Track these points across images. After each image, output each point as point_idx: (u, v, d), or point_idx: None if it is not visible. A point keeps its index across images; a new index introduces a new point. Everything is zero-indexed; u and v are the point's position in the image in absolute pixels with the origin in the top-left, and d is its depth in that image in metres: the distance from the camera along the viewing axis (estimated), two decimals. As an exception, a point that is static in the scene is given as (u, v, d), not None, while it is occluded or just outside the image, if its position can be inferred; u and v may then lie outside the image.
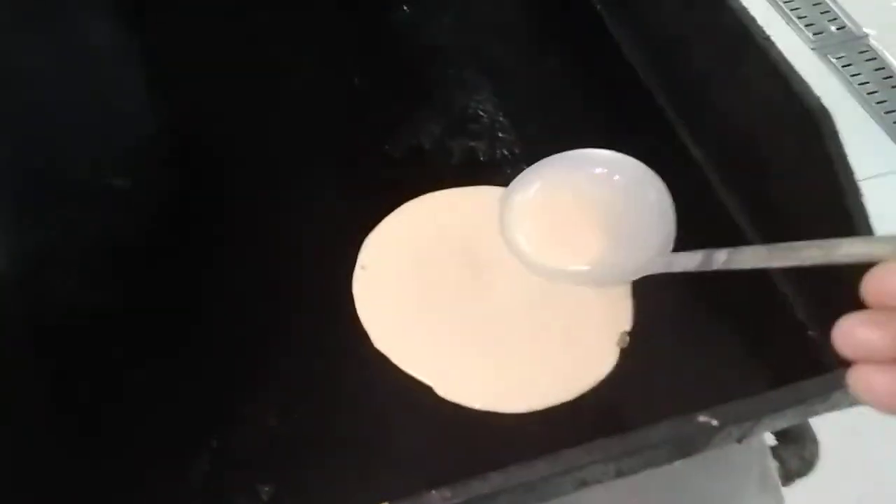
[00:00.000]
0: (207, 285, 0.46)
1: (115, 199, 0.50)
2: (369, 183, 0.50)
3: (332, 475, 0.39)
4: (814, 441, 0.53)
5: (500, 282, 0.46)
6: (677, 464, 0.45)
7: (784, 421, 0.38)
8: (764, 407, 0.36)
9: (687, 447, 0.37)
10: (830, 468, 0.52)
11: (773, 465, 0.47)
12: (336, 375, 0.43)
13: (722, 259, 0.38)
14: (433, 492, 0.33)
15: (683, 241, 0.47)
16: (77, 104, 0.53)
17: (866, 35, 0.44)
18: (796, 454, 0.52)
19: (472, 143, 0.52)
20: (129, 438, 0.40)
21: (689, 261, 0.40)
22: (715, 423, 0.35)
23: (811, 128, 0.41)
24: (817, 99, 0.41)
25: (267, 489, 0.38)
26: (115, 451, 0.39)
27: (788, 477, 0.53)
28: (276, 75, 0.56)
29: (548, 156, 0.50)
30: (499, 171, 0.51)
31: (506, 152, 0.52)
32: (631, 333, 0.44)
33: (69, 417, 0.41)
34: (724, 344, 0.44)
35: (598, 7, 0.59)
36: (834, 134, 0.40)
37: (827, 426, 0.50)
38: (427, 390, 0.42)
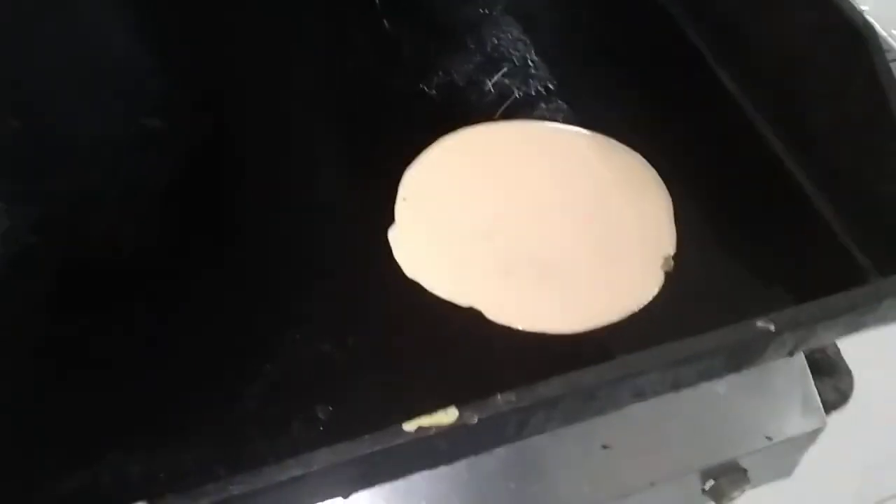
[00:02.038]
0: (252, 218, 0.46)
1: (149, 142, 0.50)
2: (405, 119, 0.50)
3: (389, 395, 0.39)
4: (848, 373, 0.53)
5: (540, 210, 0.46)
6: (722, 387, 0.46)
7: (837, 331, 0.39)
8: (819, 313, 0.36)
9: (742, 356, 0.37)
10: (864, 401, 0.52)
11: (814, 390, 0.47)
12: (386, 303, 0.43)
13: None
14: (498, 395, 0.33)
15: (723, 176, 0.48)
16: (105, 50, 0.53)
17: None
18: (832, 386, 0.52)
19: (507, 81, 0.52)
20: (181, 366, 0.40)
21: None
22: (772, 327, 0.35)
23: (857, 45, 0.41)
24: (861, 14, 0.41)
25: (323, 410, 0.38)
26: (166, 380, 0.39)
27: (825, 409, 0.53)
28: (304, 18, 0.56)
29: (583, 90, 0.51)
30: (535, 106, 0.51)
31: (540, 88, 0.52)
32: (675, 257, 0.45)
33: (116, 349, 0.41)
34: (769, 265, 0.44)
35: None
36: (879, 49, 0.40)
37: (859, 360, 0.51)
38: (476, 315, 0.42)
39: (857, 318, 0.38)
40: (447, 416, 0.32)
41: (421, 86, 0.52)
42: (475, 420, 0.32)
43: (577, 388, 0.33)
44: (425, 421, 0.32)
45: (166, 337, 0.41)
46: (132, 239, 0.45)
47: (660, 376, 0.35)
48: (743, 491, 0.48)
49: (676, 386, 0.38)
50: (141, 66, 0.52)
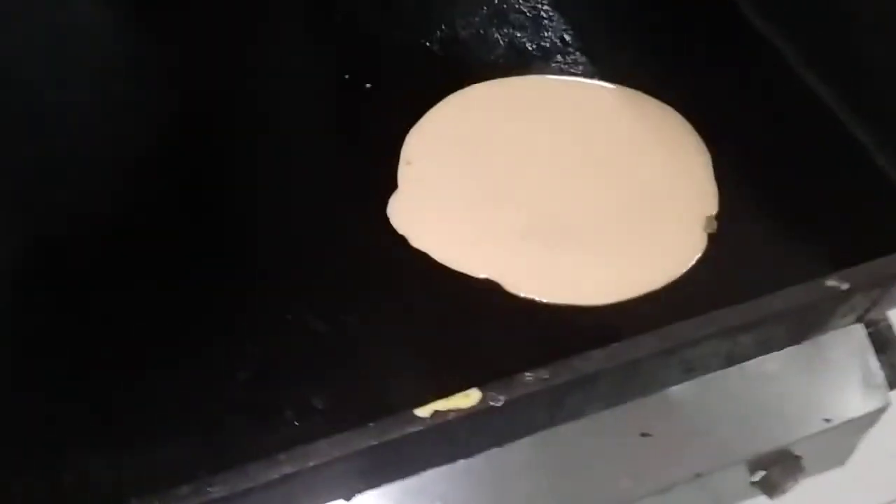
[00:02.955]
0: (237, 186, 0.41)
1: (120, 109, 0.44)
2: (406, 78, 0.45)
3: (394, 380, 0.34)
4: (904, 349, 0.48)
5: (562, 169, 0.41)
6: (773, 365, 0.40)
7: (913, 292, 0.34)
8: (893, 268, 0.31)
9: (808, 322, 0.32)
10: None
11: (876, 365, 0.42)
12: (388, 278, 0.37)
13: None
14: (527, 374, 0.28)
15: (765, 128, 0.43)
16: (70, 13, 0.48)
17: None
18: (887, 363, 0.47)
19: (517, 33, 0.47)
20: (155, 352, 0.34)
21: None
22: (845, 286, 0.30)
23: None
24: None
25: (320, 399, 0.33)
26: (138, 367, 0.34)
27: (880, 387, 0.48)
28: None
29: (602, 40, 0.46)
30: (550, 60, 0.46)
31: (556, 40, 0.47)
32: (718, 217, 0.39)
33: (82, 332, 0.35)
34: (824, 223, 0.39)
35: None
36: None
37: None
38: (493, 287, 0.37)
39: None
40: (468, 398, 0.27)
41: (422, 41, 0.47)
42: (501, 402, 0.27)
43: (621, 362, 0.28)
44: (442, 405, 0.27)
45: (139, 318, 0.35)
46: (101, 213, 0.40)
47: (715, 347, 0.30)
48: (797, 481, 0.43)
49: (731, 360, 0.32)
50: (107, 30, 0.47)
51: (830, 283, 0.30)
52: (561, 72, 0.45)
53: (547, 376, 0.27)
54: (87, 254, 0.38)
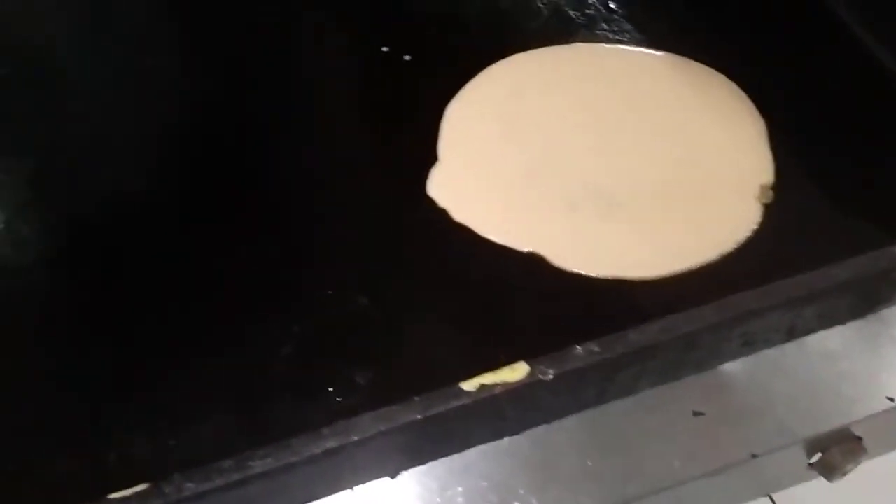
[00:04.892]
0: (276, 161, 0.40)
1: (153, 83, 0.44)
2: (446, 49, 0.44)
3: (438, 356, 0.33)
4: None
5: (609, 138, 0.39)
6: (833, 341, 0.39)
7: None
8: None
9: (876, 293, 0.30)
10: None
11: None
12: (430, 252, 0.36)
13: None
14: (578, 347, 0.26)
15: (821, 95, 0.41)
16: None
17: None
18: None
19: (561, 0, 0.46)
20: (197, 329, 0.34)
21: None
22: (918, 254, 0.28)
23: None
24: None
25: (363, 375, 0.32)
26: (179, 345, 0.34)
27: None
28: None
29: (649, 6, 0.44)
30: (594, 28, 0.44)
31: (600, 7, 0.45)
32: (774, 187, 0.38)
33: (124, 311, 0.35)
34: (884, 191, 0.37)
35: None
36: None
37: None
38: (538, 260, 0.36)
39: None
40: (515, 372, 0.26)
41: (462, 11, 0.46)
42: (550, 376, 0.26)
43: (677, 335, 0.27)
44: (488, 379, 0.26)
45: (179, 295, 0.35)
46: (139, 190, 0.39)
47: (777, 320, 0.29)
48: (858, 463, 0.41)
49: (792, 333, 0.31)
50: (139, 8, 0.47)
51: (900, 250, 0.28)
52: (607, 40, 0.44)
53: (598, 349, 0.26)
54: (129, 235, 0.38)
